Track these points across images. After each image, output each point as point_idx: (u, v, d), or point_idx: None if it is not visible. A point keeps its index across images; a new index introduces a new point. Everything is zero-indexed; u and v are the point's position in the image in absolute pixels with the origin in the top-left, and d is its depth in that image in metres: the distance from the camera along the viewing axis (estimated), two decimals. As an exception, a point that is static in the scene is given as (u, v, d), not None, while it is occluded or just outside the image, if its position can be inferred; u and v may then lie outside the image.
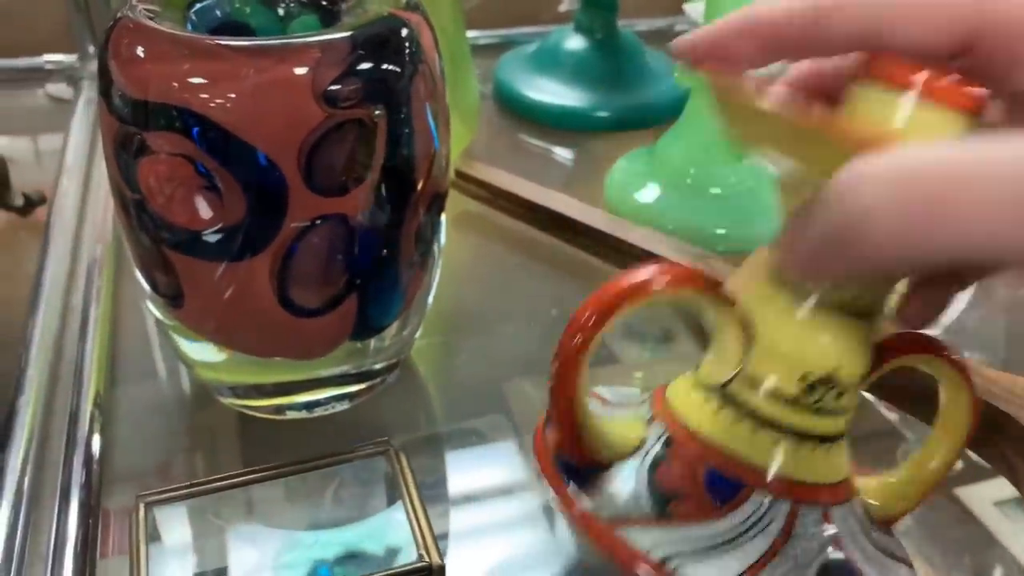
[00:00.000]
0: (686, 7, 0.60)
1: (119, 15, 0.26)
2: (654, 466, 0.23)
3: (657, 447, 0.24)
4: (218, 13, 0.28)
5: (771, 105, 0.21)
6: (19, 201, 0.42)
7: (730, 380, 0.23)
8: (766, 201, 0.42)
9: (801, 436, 0.23)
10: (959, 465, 0.28)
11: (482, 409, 0.34)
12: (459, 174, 0.43)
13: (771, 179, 0.43)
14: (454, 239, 0.45)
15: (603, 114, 0.52)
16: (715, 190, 0.41)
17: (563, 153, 0.53)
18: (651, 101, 0.53)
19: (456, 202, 0.44)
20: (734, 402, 0.23)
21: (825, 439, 0.23)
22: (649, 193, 0.42)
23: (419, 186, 0.28)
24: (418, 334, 0.33)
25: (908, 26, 0.21)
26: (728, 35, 0.22)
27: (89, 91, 0.54)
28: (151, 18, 0.26)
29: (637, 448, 0.24)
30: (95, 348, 0.34)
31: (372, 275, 0.28)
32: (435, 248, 0.31)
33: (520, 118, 0.54)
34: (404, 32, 0.26)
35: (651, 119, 0.52)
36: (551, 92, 0.53)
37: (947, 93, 0.20)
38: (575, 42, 0.54)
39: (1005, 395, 0.28)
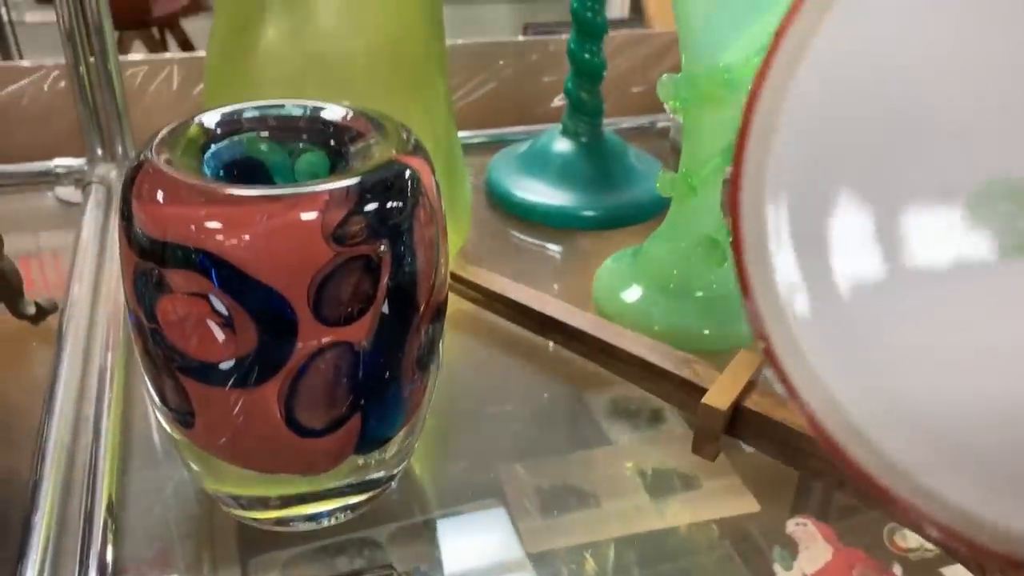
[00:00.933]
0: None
1: (142, 157, 0.28)
2: None
3: None
4: (234, 152, 0.31)
5: None
6: (31, 310, 0.44)
7: None
8: (747, 302, 0.44)
9: None
10: None
11: (476, 496, 0.35)
12: (453, 276, 0.45)
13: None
14: (448, 337, 0.47)
15: (591, 213, 0.54)
16: (699, 293, 0.44)
17: (554, 250, 0.55)
18: (637, 200, 0.55)
19: (450, 302, 0.46)
20: None
21: None
22: (634, 294, 0.44)
23: (421, 308, 0.30)
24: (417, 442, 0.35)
25: None
26: None
27: (97, 194, 0.56)
28: (169, 163, 0.28)
29: None
30: (107, 458, 0.35)
31: (376, 395, 0.30)
32: (436, 360, 0.33)
33: (511, 216, 0.56)
34: (407, 174, 0.29)
35: (637, 217, 0.55)
36: (540, 192, 0.55)
37: None
38: (562, 144, 0.56)
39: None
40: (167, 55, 0.63)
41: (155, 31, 2.00)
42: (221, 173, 0.30)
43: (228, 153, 0.30)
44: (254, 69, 0.40)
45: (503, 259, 0.54)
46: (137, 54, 0.68)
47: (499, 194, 0.56)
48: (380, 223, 0.27)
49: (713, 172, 0.41)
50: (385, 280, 0.28)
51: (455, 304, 0.46)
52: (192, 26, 2.10)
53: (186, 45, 2.08)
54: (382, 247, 0.27)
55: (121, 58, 0.59)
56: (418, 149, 0.30)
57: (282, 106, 0.31)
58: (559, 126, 0.58)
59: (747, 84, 0.39)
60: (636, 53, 0.73)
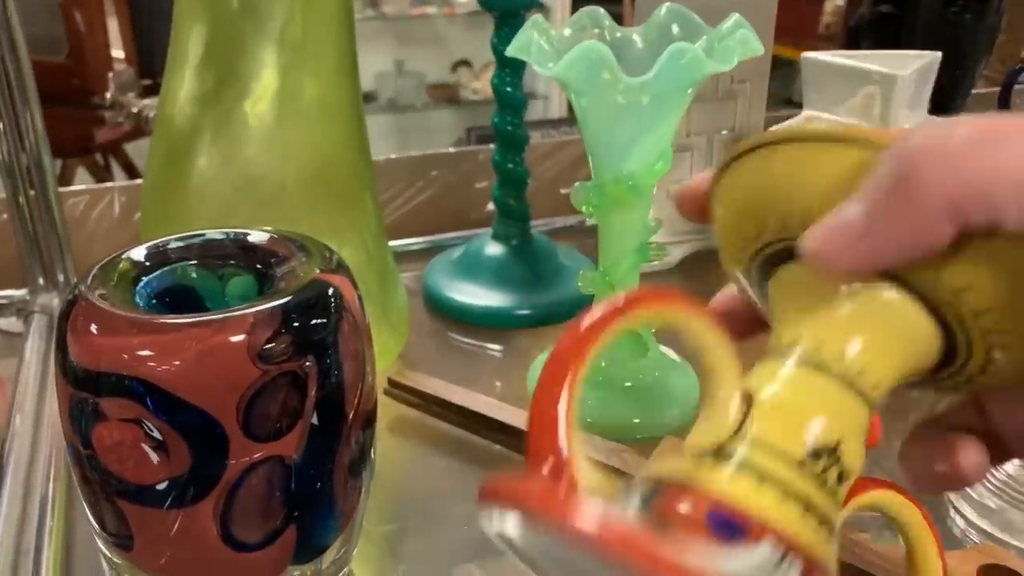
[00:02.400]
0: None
1: (76, 292, 0.30)
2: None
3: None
4: (166, 281, 0.32)
5: None
6: (-28, 442, 0.44)
7: (727, 441, 0.22)
8: (673, 389, 0.46)
9: (807, 505, 0.21)
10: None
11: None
12: (392, 383, 0.47)
13: (675, 367, 0.48)
14: (390, 445, 0.48)
15: (525, 312, 0.57)
16: (626, 383, 0.46)
17: (493, 349, 0.57)
18: (568, 296, 0.57)
19: (390, 408, 0.47)
20: (731, 460, 0.21)
21: (824, 523, 0.22)
22: (567, 390, 0.46)
23: (350, 417, 0.31)
24: (356, 550, 0.35)
25: None
26: None
27: (39, 323, 0.57)
28: (103, 297, 0.29)
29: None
30: (47, 589, 0.35)
31: (309, 505, 0.31)
32: (368, 466, 0.34)
33: (449, 319, 0.58)
34: (330, 291, 0.30)
35: (570, 312, 0.57)
36: (476, 295, 0.57)
37: None
38: (494, 248, 0.59)
39: (880, 562, 0.32)
40: (108, 184, 0.65)
41: (99, 157, 2.02)
42: (154, 302, 0.32)
43: (160, 283, 0.32)
44: (188, 197, 0.42)
45: (445, 361, 0.56)
46: (79, 185, 0.70)
47: (437, 298, 0.58)
48: (305, 340, 0.29)
49: (629, 269, 0.44)
50: (312, 394, 0.29)
51: (396, 409, 0.48)
52: (136, 149, 2.13)
53: (130, 169, 2.10)
54: (307, 363, 0.29)
55: (62, 188, 0.61)
56: (340, 267, 0.32)
57: (203, 235, 0.33)
58: (491, 231, 0.60)
59: (650, 189, 0.43)
60: (564, 156, 0.77)
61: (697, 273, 0.65)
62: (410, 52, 2.94)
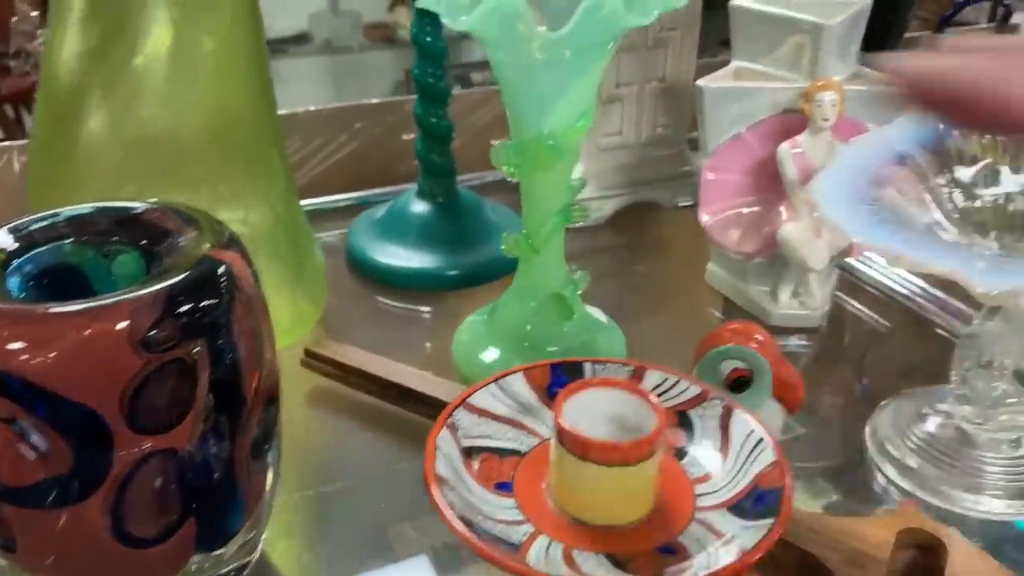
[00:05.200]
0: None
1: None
2: None
3: None
4: (44, 261, 0.30)
5: None
6: None
7: None
8: (599, 351, 0.45)
9: None
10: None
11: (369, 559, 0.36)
12: (309, 353, 0.45)
13: (601, 328, 0.47)
14: (307, 416, 0.46)
15: (453, 272, 0.55)
16: (551, 347, 0.44)
17: (422, 311, 0.55)
18: (496, 256, 0.55)
19: (308, 379, 0.46)
20: None
21: None
22: (491, 355, 0.45)
23: (249, 399, 0.30)
24: (264, 534, 0.34)
25: None
26: None
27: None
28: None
29: None
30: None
31: (209, 495, 0.29)
32: (274, 447, 0.33)
33: (375, 282, 0.56)
34: (220, 270, 0.28)
35: (499, 271, 0.55)
36: (401, 256, 0.55)
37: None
38: (419, 206, 0.57)
39: (812, 536, 0.31)
40: (5, 143, 0.61)
41: (9, 110, 1.92)
42: (32, 285, 0.29)
43: (36, 264, 0.29)
44: (77, 161, 0.39)
45: (371, 325, 0.54)
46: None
47: (360, 260, 0.56)
48: (193, 324, 0.27)
49: (552, 231, 0.43)
50: (204, 380, 0.28)
51: (312, 381, 0.46)
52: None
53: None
54: (197, 348, 0.27)
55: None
56: (232, 242, 0.30)
57: (78, 211, 0.31)
58: (416, 187, 0.58)
59: (573, 148, 0.41)
60: (494, 107, 0.74)
61: (628, 227, 0.63)
62: (345, -9, 2.85)
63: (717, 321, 0.54)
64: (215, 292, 0.28)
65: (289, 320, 0.46)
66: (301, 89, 2.61)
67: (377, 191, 0.66)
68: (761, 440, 0.30)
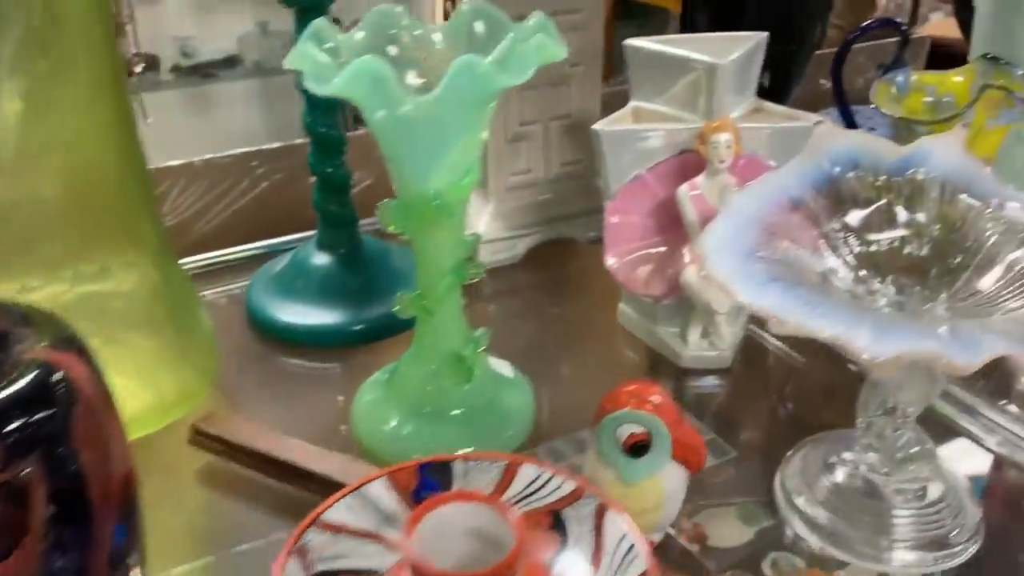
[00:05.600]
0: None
1: None
2: None
3: None
4: None
5: None
6: None
7: None
8: (507, 409, 0.44)
9: None
10: None
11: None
12: (197, 431, 0.42)
13: (507, 384, 0.45)
14: (197, 496, 0.43)
15: (358, 327, 0.53)
16: (454, 411, 0.43)
17: (330, 368, 0.53)
18: (403, 305, 0.54)
19: (197, 458, 0.43)
20: None
21: None
22: (392, 422, 0.43)
23: (99, 516, 0.27)
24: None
25: None
26: None
27: None
28: None
29: None
30: None
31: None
32: (136, 555, 0.30)
33: (277, 341, 0.53)
34: (54, 377, 0.26)
35: (409, 322, 0.54)
36: (302, 313, 0.53)
37: None
38: (320, 258, 0.55)
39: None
40: None
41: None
42: None
43: None
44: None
45: (276, 385, 0.51)
46: None
47: (260, 319, 0.54)
48: (23, 442, 0.25)
49: (447, 291, 0.41)
50: (40, 496, 0.25)
51: (202, 459, 0.43)
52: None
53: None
54: (28, 469, 0.25)
55: None
56: (70, 342, 0.27)
57: None
58: (314, 239, 0.56)
59: (461, 205, 0.40)
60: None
61: (542, 265, 0.62)
62: (274, 12, 2.80)
63: (632, 365, 0.53)
64: (49, 403, 0.26)
65: (175, 395, 0.43)
66: (233, 113, 2.56)
67: (283, 239, 0.64)
68: (632, 547, 0.29)
